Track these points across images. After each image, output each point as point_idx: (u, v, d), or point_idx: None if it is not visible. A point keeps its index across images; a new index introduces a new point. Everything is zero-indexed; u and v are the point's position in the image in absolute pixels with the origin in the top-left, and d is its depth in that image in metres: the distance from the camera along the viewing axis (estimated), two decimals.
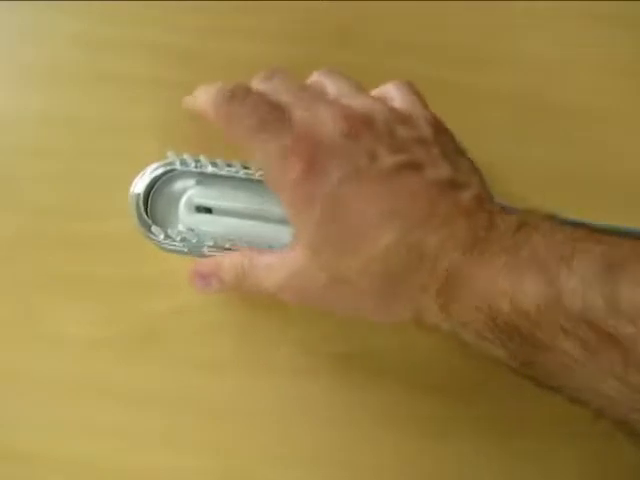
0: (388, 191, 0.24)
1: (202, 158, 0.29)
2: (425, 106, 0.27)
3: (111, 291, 0.33)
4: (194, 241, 0.29)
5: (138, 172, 0.30)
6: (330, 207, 0.24)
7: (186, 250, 0.29)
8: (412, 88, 0.28)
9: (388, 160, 0.24)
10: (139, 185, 0.30)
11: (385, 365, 0.33)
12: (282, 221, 0.30)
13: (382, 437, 0.32)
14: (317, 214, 0.24)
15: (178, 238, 0.29)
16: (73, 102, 0.34)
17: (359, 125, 0.25)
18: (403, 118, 0.26)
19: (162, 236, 0.29)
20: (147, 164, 0.30)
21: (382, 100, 0.27)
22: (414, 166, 0.24)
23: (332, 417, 0.32)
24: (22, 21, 0.35)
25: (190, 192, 0.30)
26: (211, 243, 0.29)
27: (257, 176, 0.29)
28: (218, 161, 0.29)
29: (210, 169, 0.29)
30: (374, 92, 0.28)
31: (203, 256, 0.29)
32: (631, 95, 0.35)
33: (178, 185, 0.30)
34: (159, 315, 0.33)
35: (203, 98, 0.27)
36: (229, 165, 0.29)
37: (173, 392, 0.32)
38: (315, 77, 0.29)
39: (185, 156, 0.29)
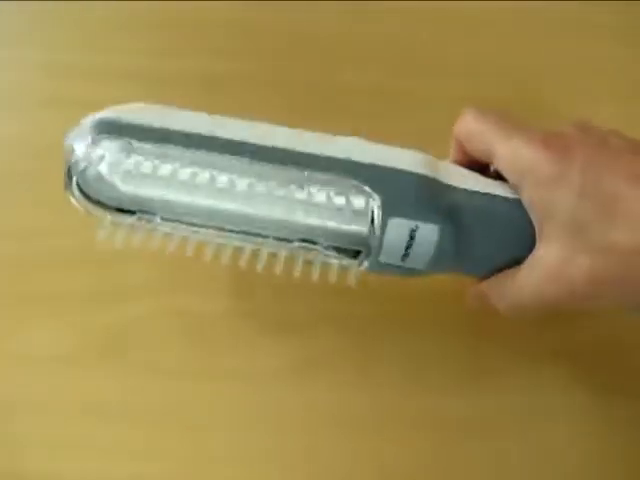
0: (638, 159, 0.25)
1: None
2: None
3: (69, 306, 0.34)
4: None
5: None
6: (585, 180, 0.25)
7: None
8: None
9: (621, 142, 0.26)
10: None
11: (338, 372, 0.34)
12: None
13: (335, 441, 0.33)
14: (576, 184, 0.25)
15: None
16: (37, 126, 0.37)
17: (586, 123, 0.27)
18: (602, 130, 0.28)
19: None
20: None
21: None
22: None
23: (294, 422, 0.33)
24: None
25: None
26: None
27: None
28: None
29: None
30: None
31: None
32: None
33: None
34: (117, 326, 0.34)
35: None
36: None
37: (136, 402, 0.33)
38: None
39: None
